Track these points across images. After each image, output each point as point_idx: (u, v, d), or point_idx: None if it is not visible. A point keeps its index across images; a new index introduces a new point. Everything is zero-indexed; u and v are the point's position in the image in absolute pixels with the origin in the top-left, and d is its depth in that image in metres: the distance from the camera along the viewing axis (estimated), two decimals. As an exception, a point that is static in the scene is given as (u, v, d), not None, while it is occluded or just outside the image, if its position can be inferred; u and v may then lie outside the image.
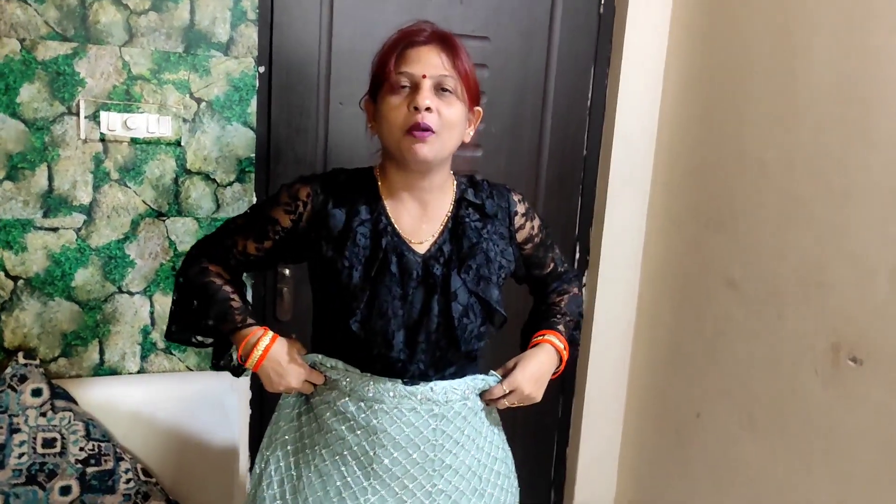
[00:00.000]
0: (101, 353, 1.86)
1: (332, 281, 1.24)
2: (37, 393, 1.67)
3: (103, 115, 1.75)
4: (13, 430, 1.62)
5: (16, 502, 1.58)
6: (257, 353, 1.27)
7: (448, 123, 1.21)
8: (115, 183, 1.80)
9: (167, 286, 1.88)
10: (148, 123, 1.78)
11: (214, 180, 1.87)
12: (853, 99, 1.65)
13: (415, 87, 1.20)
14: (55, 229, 1.77)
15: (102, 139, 1.76)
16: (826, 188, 1.72)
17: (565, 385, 2.49)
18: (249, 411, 2.01)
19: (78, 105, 1.73)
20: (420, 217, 1.30)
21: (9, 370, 1.68)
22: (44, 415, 1.66)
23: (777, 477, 1.87)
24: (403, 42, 1.22)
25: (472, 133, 1.31)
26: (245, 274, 1.43)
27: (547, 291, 1.51)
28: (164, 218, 1.85)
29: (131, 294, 1.86)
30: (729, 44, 2.03)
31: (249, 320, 1.30)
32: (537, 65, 2.22)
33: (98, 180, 1.78)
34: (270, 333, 1.31)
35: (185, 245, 1.87)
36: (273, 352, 1.29)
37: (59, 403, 1.69)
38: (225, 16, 1.81)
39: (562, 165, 2.32)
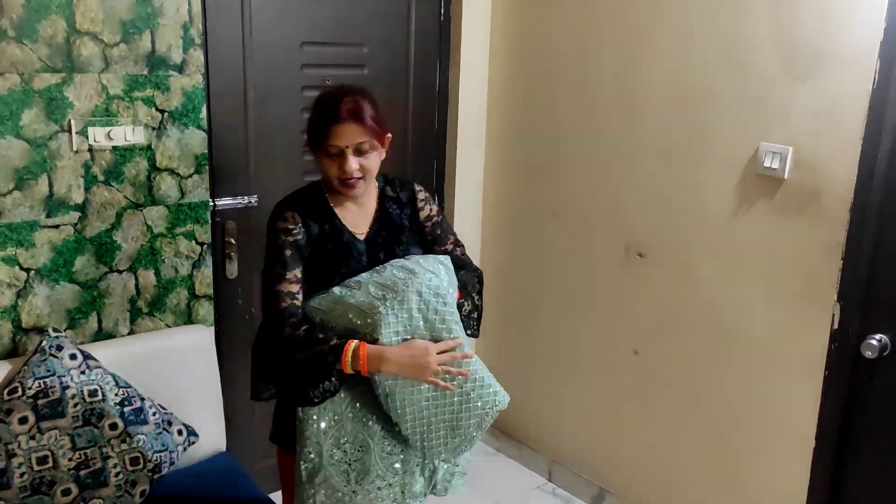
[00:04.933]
0: (99, 321, 2.30)
1: (318, 265, 1.75)
2: (73, 357, 2.10)
3: (90, 129, 2.15)
4: (64, 388, 2.05)
5: (79, 441, 2.03)
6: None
7: (370, 169, 1.71)
8: (101, 184, 2.21)
9: (147, 263, 2.34)
10: (125, 133, 2.21)
11: (178, 174, 2.35)
12: (626, 87, 2.56)
13: (342, 154, 1.67)
14: (57, 226, 2.16)
15: (90, 149, 2.17)
16: (614, 147, 2.63)
17: (433, 303, 3.27)
18: (215, 350, 2.52)
19: (69, 123, 2.12)
20: (358, 213, 1.80)
21: (45, 342, 2.08)
22: (83, 373, 2.10)
23: (594, 340, 2.82)
24: (329, 122, 1.66)
25: (385, 153, 1.77)
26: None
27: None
28: (142, 208, 2.30)
29: (120, 272, 2.30)
30: (538, 45, 2.86)
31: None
32: (400, 63, 2.90)
33: (88, 183, 2.19)
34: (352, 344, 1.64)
35: (159, 228, 2.34)
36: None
37: (91, 363, 2.13)
38: (178, 43, 2.26)
39: (422, 138, 3.05)
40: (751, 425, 2.36)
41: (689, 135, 2.39)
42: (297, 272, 1.72)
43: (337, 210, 1.78)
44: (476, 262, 3.24)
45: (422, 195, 1.90)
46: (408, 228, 1.85)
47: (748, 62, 2.21)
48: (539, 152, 2.93)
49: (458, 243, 2.00)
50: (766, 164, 2.17)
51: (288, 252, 1.71)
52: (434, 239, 1.93)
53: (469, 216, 3.18)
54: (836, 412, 2.16)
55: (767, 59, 2.16)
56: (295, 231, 1.72)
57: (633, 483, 2.75)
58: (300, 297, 1.71)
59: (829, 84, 2.05)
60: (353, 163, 1.68)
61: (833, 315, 2.11)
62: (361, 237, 1.80)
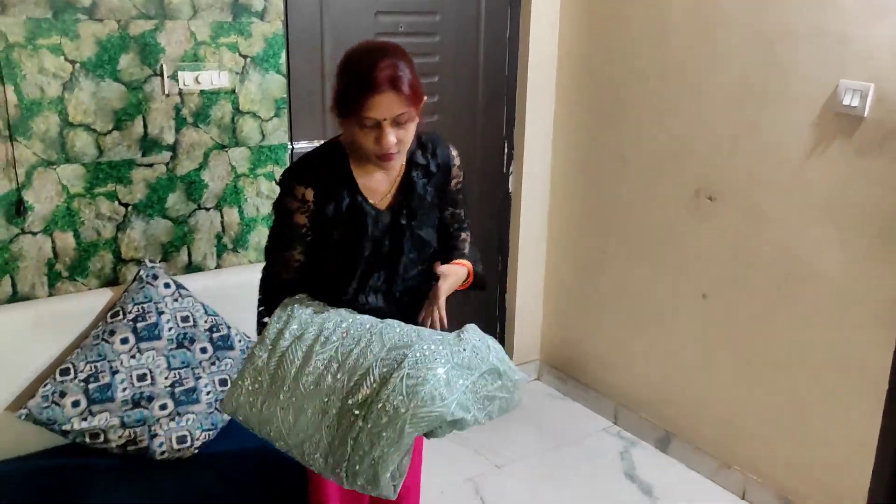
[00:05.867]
0: (189, 255, 2.46)
1: (329, 241, 1.69)
2: (167, 286, 2.27)
3: (180, 74, 2.29)
4: (160, 313, 2.22)
5: (174, 361, 2.20)
6: None
7: (406, 141, 1.57)
8: (190, 126, 2.35)
9: (232, 201, 2.49)
10: (211, 78, 2.34)
11: (259, 117, 2.47)
12: (700, 25, 2.53)
13: (378, 125, 1.51)
14: (151, 165, 2.32)
15: (180, 93, 2.31)
16: (688, 88, 2.61)
17: (502, 247, 3.34)
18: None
19: (161, 68, 2.26)
20: (382, 179, 1.68)
21: (142, 272, 2.25)
22: (176, 300, 2.27)
23: (662, 284, 2.83)
24: (365, 91, 1.49)
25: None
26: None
27: (451, 231, 1.86)
28: (226, 149, 2.44)
29: (207, 209, 2.45)
30: (611, -12, 2.84)
31: None
32: (471, 9, 2.94)
33: (178, 125, 2.33)
34: None
35: (242, 168, 2.47)
36: None
37: (183, 292, 2.30)
38: (259, -11, 2.37)
39: (492, 84, 3.09)
40: (820, 370, 2.35)
41: (765, 73, 2.35)
42: (294, 253, 1.69)
43: (359, 178, 1.66)
44: (545, 207, 3.29)
45: (457, 161, 1.78)
46: (428, 202, 1.73)
47: (828, -3, 2.16)
48: (609, 96, 2.92)
49: (463, 206, 1.88)
50: (846, 101, 2.13)
51: (290, 233, 1.67)
52: (451, 200, 1.83)
53: (538, 162, 3.21)
54: (909, 356, 2.14)
55: (848, -7, 2.11)
56: (302, 211, 1.65)
57: (700, 426, 2.78)
58: (291, 274, 1.72)
59: (913, 17, 1.98)
60: (391, 137, 1.52)
61: (910, 256, 2.08)
62: (383, 208, 1.69)
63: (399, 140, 1.55)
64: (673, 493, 2.69)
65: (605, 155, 2.98)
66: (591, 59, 2.98)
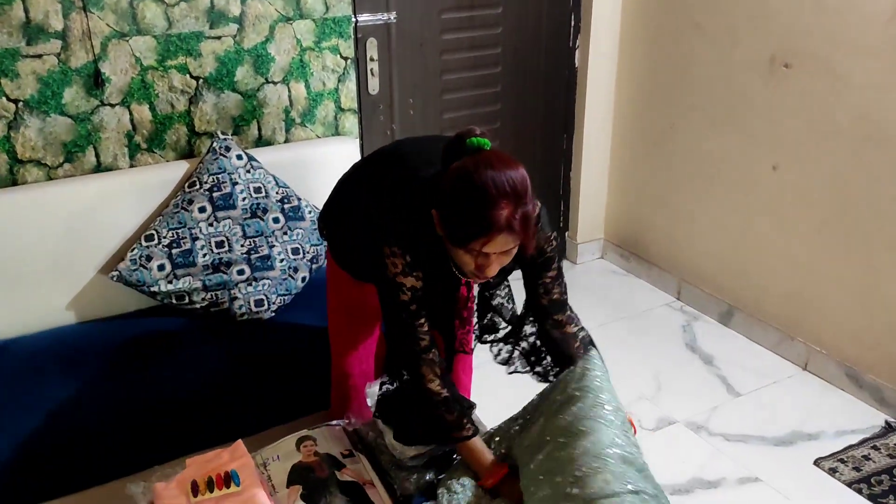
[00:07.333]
0: (259, 129, 2.52)
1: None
2: (239, 157, 2.34)
3: (242, -57, 2.28)
4: (234, 184, 2.31)
5: (249, 230, 2.31)
6: None
7: (505, 263, 1.45)
8: (255, -4, 2.36)
9: (299, 75, 2.51)
10: (273, -55, 2.33)
11: (323, -13, 2.46)
12: None
13: (485, 255, 1.40)
14: (219, 37, 2.35)
15: (243, -38, 2.31)
16: (766, -53, 2.46)
17: (567, 125, 3.30)
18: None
19: (223, -63, 2.25)
20: None
21: (215, 144, 2.33)
22: (248, 172, 2.35)
23: (731, 157, 2.77)
24: (482, 235, 1.36)
25: None
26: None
27: (553, 320, 1.67)
28: (291, 21, 2.44)
29: (275, 83, 2.49)
30: None
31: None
32: None
33: (243, -5, 2.34)
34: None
35: (307, 42, 2.48)
36: None
37: (254, 164, 2.37)
38: None
39: (559, -50, 2.97)
40: (894, 238, 2.30)
41: (853, -76, 2.19)
42: (421, 322, 1.58)
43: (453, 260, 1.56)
44: (611, 81, 3.21)
45: (541, 244, 1.59)
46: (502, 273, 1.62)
47: None
48: (684, -41, 2.78)
49: (560, 286, 1.68)
50: (940, -50, 1.98)
51: (411, 310, 1.56)
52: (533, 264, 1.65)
53: (605, 34, 3.11)
54: None
55: None
56: (415, 294, 1.56)
57: (764, 299, 2.78)
58: (426, 341, 1.58)
59: None
60: (494, 268, 1.44)
61: None
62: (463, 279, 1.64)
63: (499, 266, 1.45)
64: (733, 362, 2.73)
65: (677, 23, 2.86)
66: (664, -80, 2.82)
